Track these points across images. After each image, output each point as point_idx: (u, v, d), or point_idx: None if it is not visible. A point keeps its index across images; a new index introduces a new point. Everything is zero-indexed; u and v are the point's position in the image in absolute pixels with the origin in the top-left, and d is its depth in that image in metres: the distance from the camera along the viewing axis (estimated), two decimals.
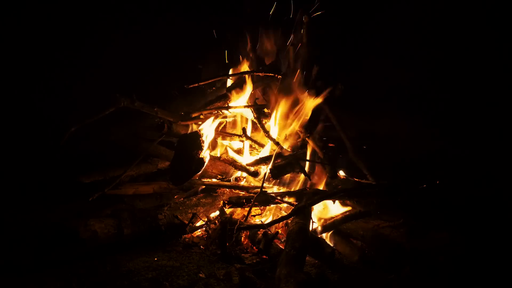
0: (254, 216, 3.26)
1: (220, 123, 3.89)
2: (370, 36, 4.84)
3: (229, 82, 4.07)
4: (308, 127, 3.61)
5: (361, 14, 4.89)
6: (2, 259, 2.55)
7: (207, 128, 3.42)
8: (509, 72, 4.33)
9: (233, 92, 3.86)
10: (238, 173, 3.70)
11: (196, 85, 3.77)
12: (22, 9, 4.67)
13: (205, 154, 3.33)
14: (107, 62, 4.71)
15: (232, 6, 4.43)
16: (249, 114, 3.79)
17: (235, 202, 3.00)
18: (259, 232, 2.85)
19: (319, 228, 3.01)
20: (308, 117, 3.60)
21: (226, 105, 3.86)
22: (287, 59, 4.08)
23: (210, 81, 3.90)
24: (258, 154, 3.69)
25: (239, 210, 3.20)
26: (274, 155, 3.41)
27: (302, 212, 2.78)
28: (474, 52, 4.59)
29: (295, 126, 3.63)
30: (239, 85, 3.88)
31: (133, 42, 4.92)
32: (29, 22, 4.71)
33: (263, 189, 3.11)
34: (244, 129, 3.62)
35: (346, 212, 3.15)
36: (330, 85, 3.77)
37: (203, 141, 3.31)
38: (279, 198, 3.11)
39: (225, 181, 3.67)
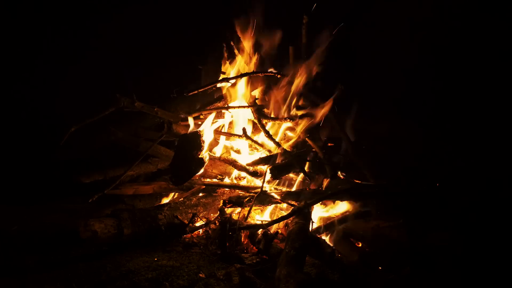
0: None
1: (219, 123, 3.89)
2: (371, 35, 4.84)
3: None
4: (309, 128, 3.61)
5: (361, 13, 4.89)
6: (2, 259, 2.55)
7: (207, 128, 3.42)
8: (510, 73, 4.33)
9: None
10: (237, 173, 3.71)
11: (196, 92, 3.77)
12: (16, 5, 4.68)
13: (205, 154, 3.33)
14: (106, 60, 4.71)
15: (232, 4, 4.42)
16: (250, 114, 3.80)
17: (235, 202, 3.00)
18: (259, 232, 2.85)
19: (319, 228, 3.01)
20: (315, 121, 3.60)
21: (226, 105, 3.86)
22: (288, 59, 4.09)
23: (209, 86, 3.90)
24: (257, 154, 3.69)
25: (239, 209, 3.20)
26: (274, 155, 3.41)
27: (302, 212, 2.78)
28: (475, 52, 4.59)
29: (298, 129, 3.64)
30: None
31: (132, 40, 4.92)
32: (18, 17, 4.71)
33: (263, 189, 3.12)
34: (244, 129, 3.62)
35: (346, 212, 3.15)
36: (330, 86, 3.78)
37: (203, 141, 3.31)
38: (279, 198, 3.11)
39: (225, 181, 3.67)
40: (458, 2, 4.51)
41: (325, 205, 3.31)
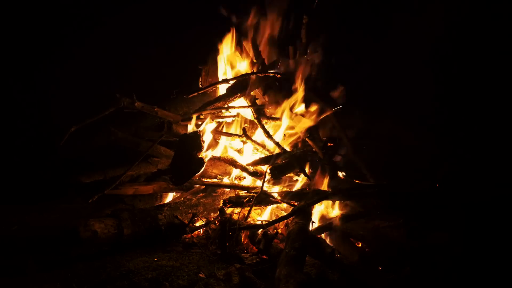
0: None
1: (219, 123, 3.89)
2: (371, 35, 4.83)
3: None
4: (309, 128, 3.61)
5: (364, 12, 4.88)
6: (2, 259, 2.55)
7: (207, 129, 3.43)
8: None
9: None
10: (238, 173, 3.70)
11: (196, 94, 3.77)
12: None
13: (205, 154, 3.33)
14: (107, 60, 4.71)
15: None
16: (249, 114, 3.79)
17: (235, 202, 3.00)
18: (259, 232, 2.85)
19: (319, 228, 3.01)
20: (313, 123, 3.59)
21: (226, 105, 3.86)
22: (288, 58, 4.09)
23: (209, 88, 3.90)
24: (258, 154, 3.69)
25: (239, 209, 3.20)
26: (274, 155, 3.41)
27: (302, 212, 2.78)
28: (476, 52, 4.59)
29: (297, 128, 3.63)
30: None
31: (133, 40, 4.92)
32: (18, 17, 4.71)
33: (263, 189, 3.12)
34: (244, 129, 3.62)
35: (346, 212, 3.15)
36: (330, 85, 3.78)
37: (203, 141, 3.31)
38: (279, 198, 3.11)
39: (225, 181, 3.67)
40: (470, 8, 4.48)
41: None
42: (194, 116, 3.52)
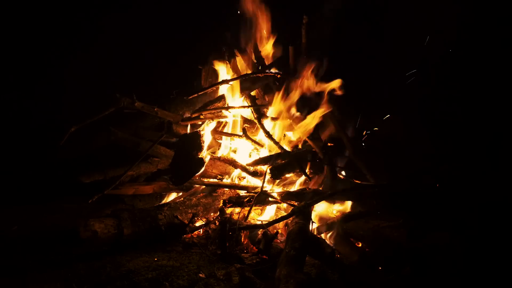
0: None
1: (219, 123, 3.89)
2: (372, 34, 4.84)
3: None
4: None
5: (364, 12, 4.89)
6: (2, 259, 2.55)
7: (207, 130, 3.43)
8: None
9: None
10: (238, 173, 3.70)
11: (196, 95, 3.77)
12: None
13: (205, 154, 3.33)
14: (106, 61, 4.71)
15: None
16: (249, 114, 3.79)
17: (235, 202, 3.00)
18: (259, 232, 2.85)
19: (319, 228, 3.01)
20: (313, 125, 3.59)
21: (226, 105, 3.85)
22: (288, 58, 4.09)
23: (209, 89, 3.89)
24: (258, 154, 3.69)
25: (239, 209, 3.20)
26: (274, 155, 3.41)
27: (302, 212, 2.78)
28: (477, 53, 4.59)
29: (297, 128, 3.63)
30: None
31: (133, 41, 4.93)
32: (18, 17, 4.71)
33: (263, 189, 3.11)
34: (244, 129, 3.61)
35: (346, 212, 3.15)
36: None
37: (203, 141, 3.31)
38: (279, 198, 3.11)
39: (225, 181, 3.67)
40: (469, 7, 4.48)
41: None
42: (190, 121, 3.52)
